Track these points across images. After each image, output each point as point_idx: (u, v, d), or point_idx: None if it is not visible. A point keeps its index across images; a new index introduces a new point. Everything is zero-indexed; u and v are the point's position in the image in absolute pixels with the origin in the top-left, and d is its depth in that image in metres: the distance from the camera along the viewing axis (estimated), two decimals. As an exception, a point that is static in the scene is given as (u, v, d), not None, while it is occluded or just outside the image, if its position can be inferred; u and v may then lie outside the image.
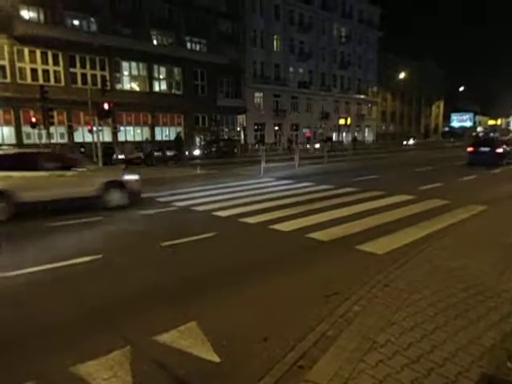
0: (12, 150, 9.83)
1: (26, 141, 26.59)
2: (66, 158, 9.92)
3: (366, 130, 59.50)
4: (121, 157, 22.29)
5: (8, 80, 25.68)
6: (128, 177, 9.93)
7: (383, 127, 64.46)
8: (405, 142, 49.94)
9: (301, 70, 48.07)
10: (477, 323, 3.48)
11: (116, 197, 9.54)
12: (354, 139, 46.53)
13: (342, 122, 41.69)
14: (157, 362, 3.13)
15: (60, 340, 3.53)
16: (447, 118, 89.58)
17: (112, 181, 9.51)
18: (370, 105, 59.66)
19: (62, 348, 3.38)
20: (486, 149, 19.35)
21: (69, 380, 2.93)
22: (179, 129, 34.25)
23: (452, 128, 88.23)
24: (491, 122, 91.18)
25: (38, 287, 4.74)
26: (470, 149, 20.02)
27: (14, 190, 8.10)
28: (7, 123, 26.14)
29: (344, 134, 53.53)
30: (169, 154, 25.25)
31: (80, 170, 9.27)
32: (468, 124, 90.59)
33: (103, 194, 9.32)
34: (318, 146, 41.88)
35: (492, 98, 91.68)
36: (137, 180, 10.06)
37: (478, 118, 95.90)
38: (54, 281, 4.94)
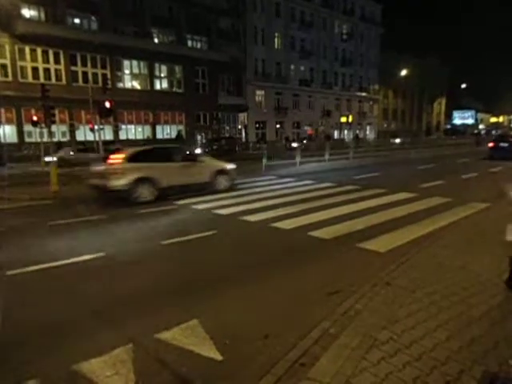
0: (151, 146, 11.84)
1: (27, 139, 26.65)
2: (190, 153, 12.09)
3: (368, 127, 59.39)
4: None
5: (9, 79, 25.71)
6: (229, 166, 12.42)
7: (385, 125, 64.31)
8: (391, 140, 48.44)
9: (302, 68, 47.97)
10: (479, 321, 3.47)
11: (222, 182, 11.99)
12: (356, 137, 46.46)
13: (343, 119, 41.63)
14: (159, 359, 3.14)
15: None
16: (449, 116, 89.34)
17: (220, 170, 12.04)
18: (371, 102, 59.51)
19: (68, 344, 3.39)
20: (505, 144, 21.34)
21: (72, 377, 2.94)
22: (180, 127, 34.25)
23: (454, 125, 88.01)
24: (493, 120, 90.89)
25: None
26: (491, 144, 22.14)
27: (158, 178, 10.34)
28: (9, 122, 26.19)
29: (346, 132, 53.44)
30: None
31: (199, 162, 11.55)
32: (470, 121, 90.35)
33: (214, 180, 11.71)
34: (295, 145, 34.16)
35: (494, 95, 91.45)
36: (234, 169, 12.54)
37: (479, 115, 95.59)
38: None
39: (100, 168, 10.44)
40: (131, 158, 10.25)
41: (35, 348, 3.39)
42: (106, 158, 10.55)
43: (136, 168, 10.08)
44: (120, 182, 9.73)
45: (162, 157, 10.90)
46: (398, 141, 48.42)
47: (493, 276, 4.50)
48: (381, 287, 4.28)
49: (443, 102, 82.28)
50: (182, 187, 10.91)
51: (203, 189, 11.41)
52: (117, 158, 10.18)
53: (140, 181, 9.99)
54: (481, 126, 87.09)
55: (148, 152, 10.78)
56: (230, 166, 12.45)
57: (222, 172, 12.05)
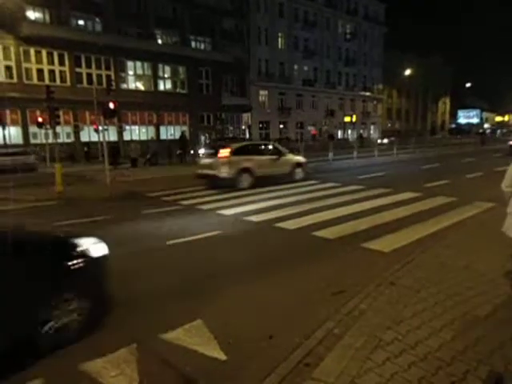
0: (249, 142, 14.70)
1: (32, 141, 26.79)
2: (276, 148, 13.86)
3: (372, 127, 59.17)
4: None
5: (15, 80, 25.88)
6: (304, 160, 14.59)
7: (389, 124, 64.05)
8: (379, 141, 44.03)
9: (306, 68, 47.88)
10: (484, 321, 3.45)
11: (299, 173, 13.97)
12: (360, 136, 46.27)
13: (347, 119, 41.53)
14: (163, 359, 3.15)
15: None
16: (454, 115, 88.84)
17: (298, 163, 14.00)
18: (375, 102, 59.29)
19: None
20: None
21: (76, 377, 2.95)
22: (184, 127, 34.30)
23: (459, 125, 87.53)
24: (498, 119, 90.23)
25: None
26: (511, 142, 24.12)
27: (253, 168, 12.37)
28: (14, 123, 26.35)
29: (349, 132, 53.29)
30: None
31: (283, 156, 13.48)
32: (475, 121, 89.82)
33: (293, 172, 13.70)
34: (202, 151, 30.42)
35: (500, 94, 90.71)
36: (306, 162, 14.71)
37: (484, 114, 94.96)
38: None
39: (209, 160, 12.56)
40: (235, 152, 12.21)
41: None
42: (215, 152, 12.46)
43: (239, 160, 12.16)
44: (228, 172, 11.95)
45: (257, 151, 13.06)
46: (385, 141, 45.52)
47: (498, 276, 4.47)
48: (385, 287, 4.27)
49: (448, 101, 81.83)
50: (270, 177, 12.90)
51: (284, 179, 13.30)
52: (225, 152, 12.08)
53: (242, 171, 12.19)
54: (486, 125, 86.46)
55: (247, 147, 13.01)
56: (305, 160, 14.72)
57: (300, 165, 14.11)
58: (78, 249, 3.52)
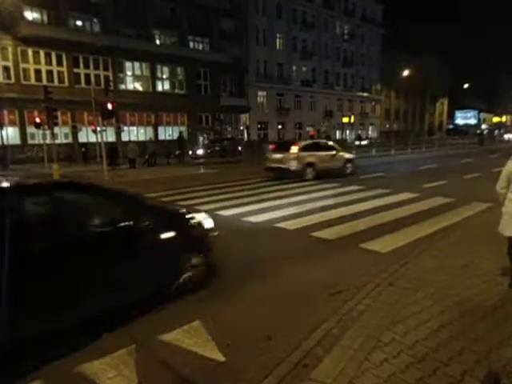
0: (313, 141, 17.23)
1: (30, 141, 26.74)
2: (331, 145, 15.90)
3: (370, 127, 59.29)
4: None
5: (12, 81, 25.81)
6: (353, 156, 16.69)
7: (387, 125, 64.18)
8: (357, 143, 40.48)
9: (304, 69, 47.96)
10: (482, 321, 3.46)
11: (349, 168, 15.81)
12: (359, 137, 46.28)
13: (345, 120, 41.53)
14: (161, 360, 3.15)
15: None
16: (451, 116, 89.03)
17: (348, 159, 15.93)
18: (373, 103, 59.43)
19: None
20: None
21: (74, 379, 2.94)
22: (183, 128, 34.28)
23: (456, 125, 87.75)
24: (496, 119, 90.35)
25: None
26: None
27: (316, 162, 14.41)
28: (12, 124, 26.28)
29: (348, 132, 53.36)
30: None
31: (337, 152, 15.42)
32: (472, 121, 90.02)
33: (344, 167, 15.56)
34: (200, 152, 28.29)
35: (497, 94, 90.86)
36: (355, 158, 16.86)
37: (482, 115, 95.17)
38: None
39: (280, 155, 14.59)
40: (302, 149, 14.31)
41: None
42: (284, 148, 14.68)
43: (305, 156, 14.20)
44: (297, 165, 14.04)
45: (318, 148, 15.16)
46: (364, 142, 42.64)
47: (496, 276, 4.49)
48: (383, 288, 4.28)
49: (445, 102, 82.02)
50: (329, 170, 14.76)
51: (338, 172, 15.08)
52: (294, 149, 14.22)
53: (307, 165, 14.19)
54: (483, 126, 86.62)
55: (311, 144, 15.35)
56: (354, 156, 16.90)
57: (350, 161, 15.98)
58: (197, 221, 4.65)
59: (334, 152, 15.30)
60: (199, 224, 4.65)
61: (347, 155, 16.13)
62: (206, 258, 4.62)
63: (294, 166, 13.99)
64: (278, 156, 14.73)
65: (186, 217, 4.61)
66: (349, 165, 15.84)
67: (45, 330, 3.15)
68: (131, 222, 3.80)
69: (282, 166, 14.28)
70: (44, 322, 3.16)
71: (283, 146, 14.99)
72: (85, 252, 3.43)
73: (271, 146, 16.08)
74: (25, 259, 2.98)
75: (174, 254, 4.16)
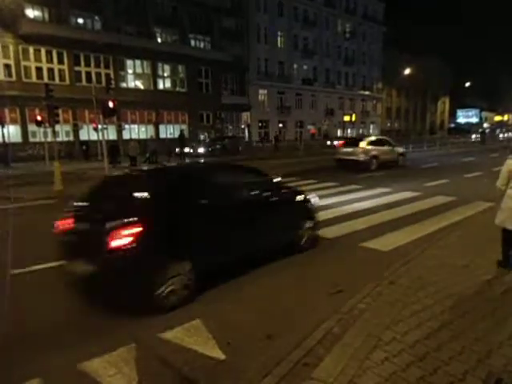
0: (376, 137, 19.35)
1: (31, 139, 26.74)
2: (389, 141, 18.57)
3: (371, 126, 59.19)
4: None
5: (13, 79, 25.80)
6: (405, 150, 19.43)
7: (388, 124, 64.08)
8: (328, 143, 38.76)
9: (305, 67, 47.86)
10: (483, 321, 3.45)
11: (401, 160, 18.53)
12: (362, 136, 46.19)
13: (346, 118, 41.47)
14: (161, 358, 3.14)
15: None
16: (453, 115, 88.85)
17: (401, 153, 18.68)
18: (374, 101, 59.32)
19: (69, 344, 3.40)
20: None
21: (75, 377, 2.94)
22: (184, 126, 34.27)
23: (458, 124, 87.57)
24: (498, 118, 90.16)
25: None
26: None
27: (379, 155, 17.04)
28: (13, 122, 26.27)
29: (349, 131, 53.27)
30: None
31: (393, 147, 18.26)
32: (474, 120, 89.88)
33: (398, 159, 18.37)
34: (201, 150, 28.27)
35: (499, 93, 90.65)
36: (406, 152, 19.84)
37: (484, 113, 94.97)
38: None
39: (350, 149, 17.13)
40: (369, 143, 17.09)
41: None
42: (353, 143, 17.41)
43: (371, 150, 16.89)
44: (365, 157, 16.67)
45: (380, 143, 17.82)
46: (328, 143, 39.38)
47: (496, 276, 4.47)
48: (384, 286, 4.27)
49: (447, 100, 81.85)
50: (387, 162, 17.47)
51: (393, 164, 17.84)
52: (363, 144, 16.91)
53: (372, 157, 16.82)
54: (485, 125, 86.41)
55: (375, 140, 17.87)
56: (405, 150, 19.73)
57: (402, 154, 18.77)
58: (309, 198, 6.36)
59: (391, 147, 18.11)
60: (311, 201, 6.36)
61: (400, 150, 18.79)
62: (315, 225, 6.24)
63: (362, 157, 16.61)
64: (348, 150, 17.33)
65: (304, 194, 6.38)
66: (401, 157, 18.57)
67: (239, 255, 4.94)
68: (277, 193, 5.79)
69: (353, 157, 16.87)
70: (237, 251, 4.91)
71: (352, 142, 17.75)
72: (253, 209, 5.20)
73: (340, 142, 18.81)
74: (229, 211, 4.81)
75: (298, 218, 5.95)
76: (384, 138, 20.01)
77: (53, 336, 3.59)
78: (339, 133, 51.47)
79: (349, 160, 17.00)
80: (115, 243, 3.69)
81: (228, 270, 4.74)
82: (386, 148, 17.83)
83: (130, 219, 3.79)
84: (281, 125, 45.27)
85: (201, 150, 30.04)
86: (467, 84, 66.57)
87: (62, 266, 4.48)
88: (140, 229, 3.75)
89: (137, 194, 4.29)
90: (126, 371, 2.97)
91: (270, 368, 2.92)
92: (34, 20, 26.84)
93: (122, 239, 3.69)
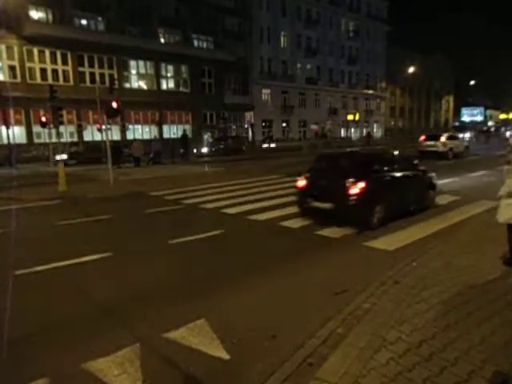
0: (450, 133, 23.74)
1: (36, 140, 26.89)
2: (458, 136, 23.53)
3: (375, 125, 58.96)
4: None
5: (18, 80, 25.96)
6: (468, 144, 24.44)
7: (392, 122, 63.82)
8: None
9: (308, 66, 47.77)
10: (489, 321, 3.42)
11: (467, 152, 22.66)
12: (368, 135, 45.95)
13: (350, 117, 41.37)
14: (166, 358, 3.15)
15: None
16: (457, 113, 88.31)
17: (467, 146, 23.18)
18: (378, 100, 59.08)
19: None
20: None
21: (80, 376, 2.95)
22: (187, 126, 34.33)
23: (462, 122, 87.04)
24: (503, 116, 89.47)
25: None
26: None
27: (453, 147, 21.16)
28: (18, 123, 26.44)
29: (352, 130, 53.13)
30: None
31: (461, 139, 23.46)
32: (479, 118, 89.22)
33: (464, 151, 22.37)
34: (205, 150, 29.69)
35: (504, 91, 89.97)
36: (468, 146, 23.83)
37: (488, 112, 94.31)
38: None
39: (432, 142, 21.36)
40: (447, 138, 21.36)
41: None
42: (434, 138, 21.88)
43: (448, 143, 21.07)
44: (444, 149, 20.83)
45: (454, 138, 22.36)
46: (273, 145, 35.17)
47: (502, 275, 4.44)
48: (389, 286, 4.25)
49: (451, 99, 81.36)
50: (458, 153, 21.56)
51: (461, 155, 21.74)
52: (443, 138, 21.22)
53: (449, 149, 20.93)
54: (490, 123, 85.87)
55: (450, 136, 21.97)
56: (468, 144, 24.14)
57: (467, 147, 22.99)
58: (431, 175, 8.70)
59: (460, 141, 23.08)
60: (432, 176, 8.78)
61: (465, 143, 23.80)
62: (434, 194, 8.81)
63: (442, 149, 20.82)
64: (430, 143, 21.61)
65: (429, 172, 8.74)
66: (467, 150, 22.77)
67: (399, 206, 7.60)
68: (415, 172, 8.35)
69: (434, 149, 20.89)
70: (399, 203, 7.57)
71: (432, 137, 22.08)
72: (405, 181, 7.85)
73: (422, 137, 22.64)
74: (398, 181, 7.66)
75: (426, 188, 8.49)
76: (455, 134, 25.23)
77: (57, 336, 3.60)
78: (342, 132, 51.35)
79: (431, 151, 20.90)
80: (352, 191, 6.70)
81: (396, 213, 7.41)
82: (457, 142, 22.28)
83: (360, 179, 6.78)
84: (284, 124, 45.23)
85: (204, 150, 30.09)
86: (472, 82, 66.16)
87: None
88: (363, 185, 6.71)
89: (359, 165, 7.47)
90: (131, 371, 2.97)
91: (275, 368, 2.91)
92: (38, 21, 27.00)
93: (355, 189, 6.70)
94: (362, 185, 6.65)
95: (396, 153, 10.16)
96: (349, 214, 6.81)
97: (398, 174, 7.70)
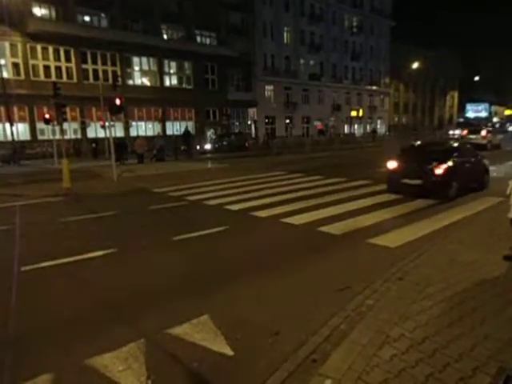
0: (490, 128, 27.72)
1: (40, 137, 27.00)
2: (494, 130, 28.47)
3: (379, 121, 58.70)
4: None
5: (22, 77, 26.04)
6: (502, 136, 29.29)
7: (396, 119, 63.49)
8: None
9: (312, 62, 47.57)
10: (494, 317, 3.41)
11: (500, 145, 25.53)
12: (374, 131, 45.74)
13: (353, 113, 41.23)
14: (170, 354, 3.16)
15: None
16: (462, 109, 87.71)
17: (500, 138, 26.95)
18: (382, 96, 58.77)
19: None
20: None
21: (85, 372, 2.97)
22: (190, 123, 34.33)
23: (467, 119, 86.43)
24: (508, 112, 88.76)
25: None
26: None
27: (492, 140, 25.27)
28: (22, 120, 26.55)
29: (356, 126, 52.92)
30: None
31: (496, 135, 26.72)
32: (483, 114, 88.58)
33: (499, 144, 25.55)
34: (208, 146, 29.69)
35: (509, 87, 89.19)
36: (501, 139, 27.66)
37: (493, 108, 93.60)
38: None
39: (473, 136, 24.54)
40: (487, 132, 24.83)
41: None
42: (475, 131, 25.55)
43: (487, 136, 24.30)
44: (484, 141, 23.73)
45: (491, 132, 25.79)
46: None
47: (507, 271, 4.42)
48: (392, 283, 4.24)
49: (456, 95, 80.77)
50: (495, 145, 24.50)
51: (498, 147, 24.62)
52: (483, 132, 24.52)
53: (489, 141, 24.01)
54: (495, 119, 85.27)
55: (488, 130, 25.45)
56: (503, 137, 28.50)
57: (500, 140, 26.28)
58: (486, 161, 10.69)
59: (496, 135, 26.41)
60: (486, 163, 10.64)
61: (499, 136, 27.42)
62: (488, 177, 10.57)
63: (482, 142, 23.51)
64: (472, 136, 24.80)
65: (484, 159, 10.67)
66: (500, 142, 25.99)
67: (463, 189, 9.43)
68: (476, 158, 10.37)
69: (476, 142, 22.87)
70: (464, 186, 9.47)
71: (474, 131, 25.78)
72: (470, 166, 9.93)
73: (464, 132, 26.52)
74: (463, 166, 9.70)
75: (484, 171, 10.40)
76: (492, 128, 29.19)
77: (62, 332, 3.63)
78: (346, 128, 51.16)
79: (473, 143, 21.79)
80: (437, 171, 8.89)
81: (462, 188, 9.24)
82: (493, 135, 25.61)
83: (442, 162, 8.97)
84: (287, 120, 45.13)
85: (207, 146, 30.06)
86: (476, 78, 65.63)
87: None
88: (446, 167, 8.89)
89: (440, 153, 9.70)
90: (136, 367, 2.99)
91: (279, 364, 2.92)
92: (42, 18, 27.03)
93: (439, 170, 8.88)
94: (444, 166, 8.90)
95: (455, 144, 11.77)
96: (434, 187, 8.88)
97: (466, 159, 9.88)
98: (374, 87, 56.55)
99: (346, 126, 51.33)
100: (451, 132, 49.26)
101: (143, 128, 32.27)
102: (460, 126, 74.17)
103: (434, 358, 2.84)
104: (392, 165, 9.88)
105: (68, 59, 27.91)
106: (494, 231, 6.00)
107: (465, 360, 2.81)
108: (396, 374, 2.67)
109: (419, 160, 9.62)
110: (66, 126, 24.75)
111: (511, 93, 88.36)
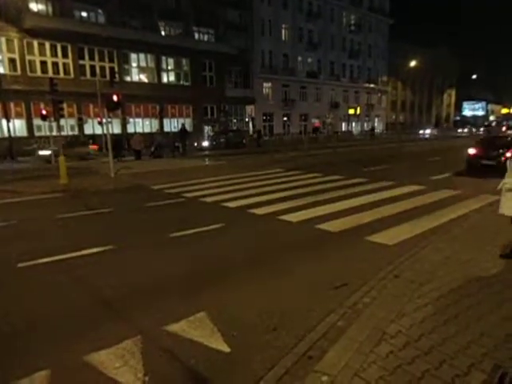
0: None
1: (36, 133, 26.87)
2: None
3: (376, 119, 58.80)
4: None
5: (18, 73, 25.88)
6: None
7: (393, 117, 63.61)
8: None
9: (309, 60, 47.54)
10: (489, 315, 3.43)
11: None
12: (372, 129, 45.76)
13: (351, 111, 41.23)
14: (167, 351, 3.17)
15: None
16: (459, 107, 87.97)
17: None
18: (379, 94, 58.85)
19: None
20: None
21: (82, 369, 2.97)
22: (188, 120, 34.25)
23: (464, 117, 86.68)
24: (504, 111, 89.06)
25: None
26: None
27: None
28: (18, 116, 26.41)
29: (353, 124, 52.97)
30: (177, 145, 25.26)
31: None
32: (480, 113, 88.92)
33: None
34: (205, 143, 30.71)
35: (506, 85, 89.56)
36: None
37: (490, 106, 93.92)
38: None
39: (505, 131, 37.98)
40: (507, 128, 41.28)
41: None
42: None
43: None
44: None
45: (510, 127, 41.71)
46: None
47: (502, 270, 4.45)
48: (389, 280, 4.26)
49: (453, 93, 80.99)
50: None
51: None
52: (506, 130, 39.00)
53: None
54: (491, 118, 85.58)
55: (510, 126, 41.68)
56: None
57: None
58: None
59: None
60: None
61: None
62: None
63: None
64: (502, 129, 26.89)
65: None
66: None
67: None
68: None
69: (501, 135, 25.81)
70: None
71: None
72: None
73: (504, 128, 29.05)
74: None
75: None
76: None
77: (59, 328, 3.62)
78: (344, 126, 51.22)
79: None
80: (508, 154, 10.30)
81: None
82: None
83: (509, 149, 11.43)
84: (285, 118, 45.11)
85: (205, 143, 30.02)
86: (474, 76, 65.80)
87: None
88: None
89: (507, 142, 13.02)
90: (132, 363, 2.99)
91: (275, 361, 2.93)
92: (38, 14, 26.84)
93: (509, 154, 10.16)
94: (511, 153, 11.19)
95: None
96: (504, 166, 10.30)
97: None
98: (372, 85, 56.61)
99: (343, 124, 51.36)
100: (421, 132, 50.53)
101: (140, 125, 32.19)
102: (456, 124, 74.47)
103: (430, 355, 2.86)
104: (472, 151, 13.05)
105: (65, 55, 27.76)
106: (489, 230, 6.03)
107: (460, 357, 2.82)
108: (392, 371, 2.69)
109: (492, 148, 12.86)
110: (63, 122, 24.64)
111: (508, 91, 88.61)
